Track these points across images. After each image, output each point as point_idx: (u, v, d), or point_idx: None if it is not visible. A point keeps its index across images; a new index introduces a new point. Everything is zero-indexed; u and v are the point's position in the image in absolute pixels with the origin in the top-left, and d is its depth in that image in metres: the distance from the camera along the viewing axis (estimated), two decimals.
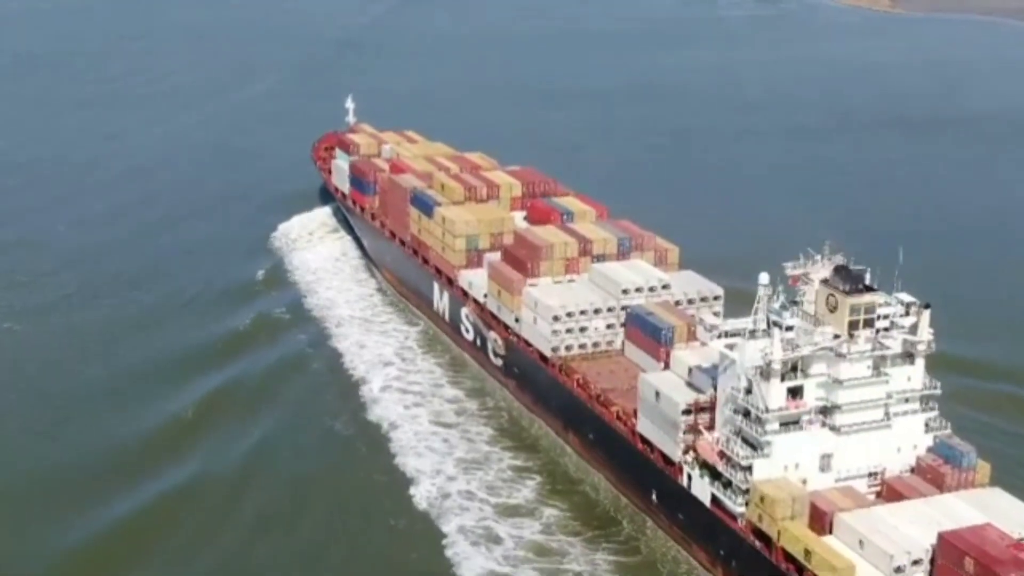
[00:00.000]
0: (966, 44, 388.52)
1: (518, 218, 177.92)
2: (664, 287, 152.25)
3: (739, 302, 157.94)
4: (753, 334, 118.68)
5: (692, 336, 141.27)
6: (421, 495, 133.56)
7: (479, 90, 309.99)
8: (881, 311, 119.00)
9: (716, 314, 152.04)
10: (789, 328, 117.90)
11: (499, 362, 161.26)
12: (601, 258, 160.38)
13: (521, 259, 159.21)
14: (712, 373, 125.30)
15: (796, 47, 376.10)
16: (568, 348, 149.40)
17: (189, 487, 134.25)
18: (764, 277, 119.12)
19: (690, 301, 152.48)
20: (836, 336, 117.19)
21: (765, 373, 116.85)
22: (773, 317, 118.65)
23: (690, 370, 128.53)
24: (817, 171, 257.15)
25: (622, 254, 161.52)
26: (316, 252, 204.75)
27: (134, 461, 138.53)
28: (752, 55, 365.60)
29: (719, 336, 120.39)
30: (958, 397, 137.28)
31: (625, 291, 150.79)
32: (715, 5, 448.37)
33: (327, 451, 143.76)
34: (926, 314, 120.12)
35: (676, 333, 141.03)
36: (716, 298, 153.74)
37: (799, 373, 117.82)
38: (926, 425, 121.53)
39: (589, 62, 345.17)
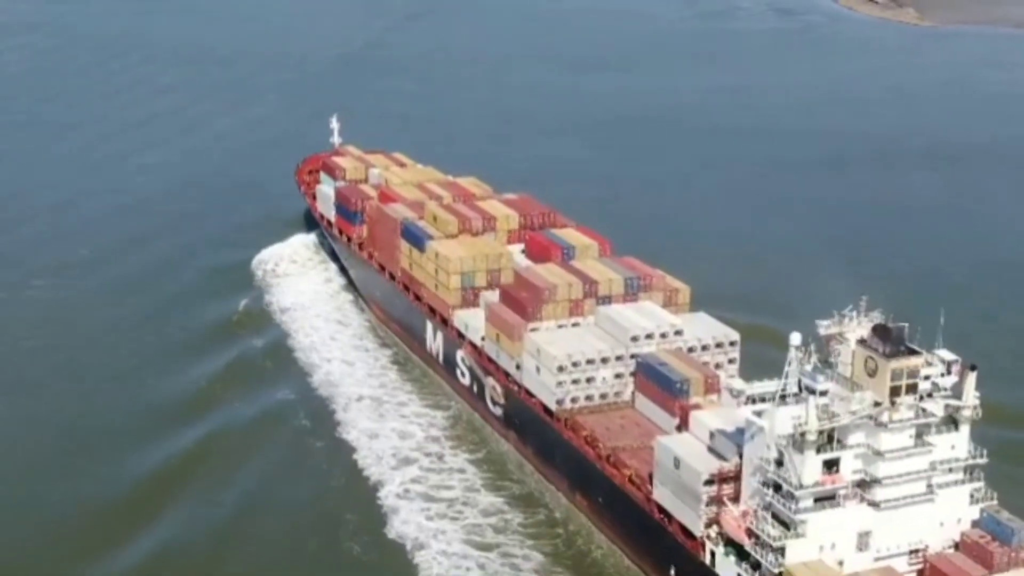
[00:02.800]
0: (1004, 61, 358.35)
1: (516, 253, 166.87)
2: (676, 333, 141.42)
3: (754, 340, 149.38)
4: (784, 399, 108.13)
5: (709, 389, 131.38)
6: None
7: (473, 111, 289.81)
8: (924, 371, 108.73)
9: (732, 361, 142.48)
10: (823, 393, 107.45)
11: (498, 411, 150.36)
12: (607, 300, 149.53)
13: (521, 301, 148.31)
14: (737, 439, 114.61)
15: (823, 64, 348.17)
16: (574, 400, 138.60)
17: None
18: (795, 337, 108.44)
19: (704, 347, 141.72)
20: (876, 403, 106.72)
21: (798, 444, 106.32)
22: (806, 381, 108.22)
23: (712, 434, 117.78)
24: (841, 205, 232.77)
25: (629, 295, 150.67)
26: (299, 286, 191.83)
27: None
28: (776, 74, 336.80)
29: (746, 402, 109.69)
30: (1002, 453, 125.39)
31: (634, 338, 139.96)
32: (734, 18, 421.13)
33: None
34: (972, 376, 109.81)
35: (692, 386, 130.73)
36: (732, 343, 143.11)
37: (835, 444, 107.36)
38: (971, 496, 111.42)
39: (595, 82, 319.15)
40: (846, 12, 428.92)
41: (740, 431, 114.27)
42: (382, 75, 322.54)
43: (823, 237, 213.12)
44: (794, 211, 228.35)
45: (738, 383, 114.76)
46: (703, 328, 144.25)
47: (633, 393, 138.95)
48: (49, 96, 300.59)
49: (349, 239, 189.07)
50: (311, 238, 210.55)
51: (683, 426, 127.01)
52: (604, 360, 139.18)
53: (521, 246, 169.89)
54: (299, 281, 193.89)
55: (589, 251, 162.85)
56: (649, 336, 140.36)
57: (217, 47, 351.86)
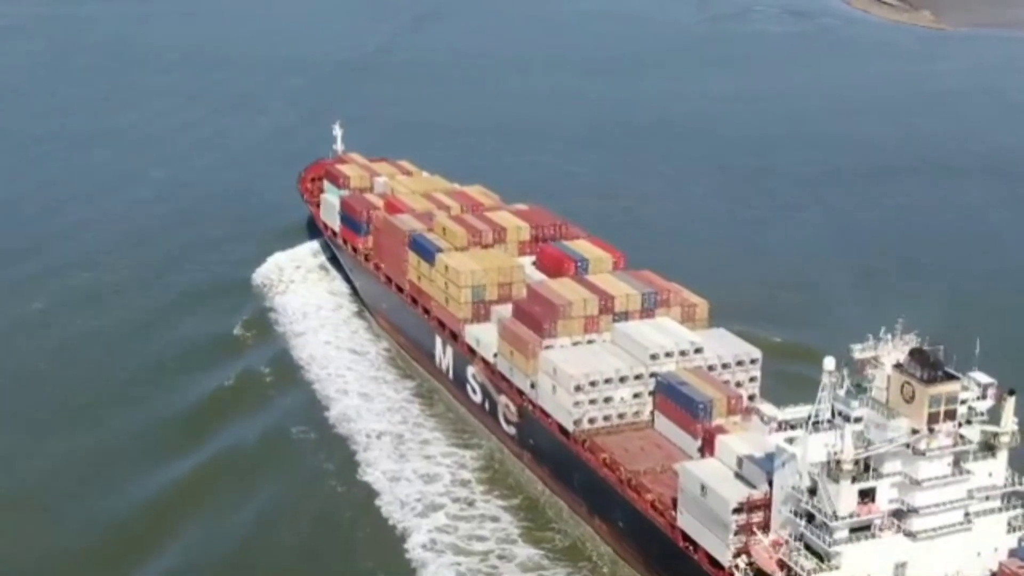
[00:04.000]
0: None
1: (527, 265, 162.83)
2: (697, 351, 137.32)
3: (774, 356, 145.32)
4: (816, 426, 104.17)
5: (732, 409, 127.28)
6: None
7: (478, 118, 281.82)
8: (962, 396, 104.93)
9: (753, 379, 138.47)
10: (857, 419, 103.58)
11: (511, 430, 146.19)
12: (623, 316, 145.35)
13: (536, 317, 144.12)
14: (766, 465, 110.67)
15: (842, 69, 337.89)
16: (591, 421, 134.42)
17: None
18: (829, 362, 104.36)
19: (725, 365, 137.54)
20: (914, 431, 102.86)
21: (833, 473, 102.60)
22: (839, 406, 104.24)
23: (739, 460, 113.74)
24: (865, 217, 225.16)
25: (646, 311, 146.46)
26: (305, 298, 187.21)
27: None
28: (795, 79, 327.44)
29: (778, 428, 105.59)
30: None
31: (654, 356, 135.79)
32: (747, 21, 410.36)
33: None
34: (1011, 401, 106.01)
35: (714, 407, 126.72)
36: (753, 361, 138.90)
37: (871, 473, 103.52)
38: (1008, 525, 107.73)
39: (606, 88, 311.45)
40: (859, 15, 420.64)
41: (769, 457, 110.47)
42: (387, 81, 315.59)
43: (845, 251, 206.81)
44: (815, 223, 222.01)
45: (769, 409, 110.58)
46: (723, 345, 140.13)
47: (652, 413, 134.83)
48: (39, 104, 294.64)
49: (355, 249, 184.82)
50: (314, 246, 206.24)
51: (706, 448, 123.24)
52: (622, 379, 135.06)
53: (532, 258, 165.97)
54: (304, 293, 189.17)
55: (602, 264, 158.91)
56: (668, 354, 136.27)
57: (210, 50, 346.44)
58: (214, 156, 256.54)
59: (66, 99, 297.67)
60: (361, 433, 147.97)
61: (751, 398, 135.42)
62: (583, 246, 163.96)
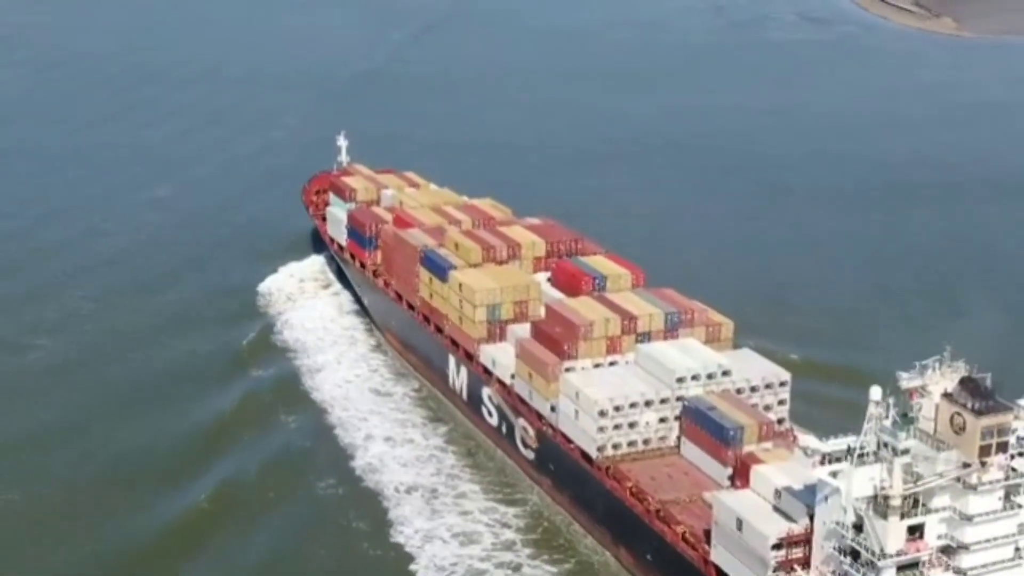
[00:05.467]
0: None
1: (543, 282, 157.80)
2: (724, 373, 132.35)
3: (800, 375, 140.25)
4: (862, 459, 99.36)
5: (764, 436, 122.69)
6: None
7: (491, 131, 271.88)
8: (1014, 426, 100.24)
9: (782, 402, 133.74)
10: (905, 452, 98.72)
11: (530, 455, 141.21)
12: (646, 336, 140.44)
13: (556, 338, 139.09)
14: (806, 498, 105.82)
15: (868, 80, 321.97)
16: (616, 447, 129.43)
17: None
18: (876, 392, 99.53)
19: (753, 388, 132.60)
20: (965, 464, 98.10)
21: (880, 509, 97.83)
22: (886, 438, 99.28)
23: (778, 492, 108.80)
24: (895, 236, 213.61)
25: (670, 331, 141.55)
26: (311, 314, 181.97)
27: None
28: (818, 90, 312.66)
29: (822, 462, 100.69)
30: None
31: (680, 379, 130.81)
32: (765, 28, 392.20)
33: None
34: None
35: (745, 434, 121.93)
36: (782, 384, 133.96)
37: (920, 508, 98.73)
38: None
39: (623, 99, 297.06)
40: (879, 21, 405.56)
41: (809, 489, 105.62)
42: (395, 92, 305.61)
43: (876, 270, 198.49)
44: (842, 241, 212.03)
45: (812, 441, 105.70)
46: (751, 367, 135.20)
47: (679, 438, 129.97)
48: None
49: (363, 265, 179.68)
50: (320, 260, 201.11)
51: (737, 477, 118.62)
52: (648, 403, 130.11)
53: (547, 274, 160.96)
54: (310, 309, 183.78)
55: (621, 281, 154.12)
56: (695, 377, 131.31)
57: (209, 60, 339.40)
58: (215, 166, 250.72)
59: (66, 112, 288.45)
60: (390, 485, 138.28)
61: (780, 421, 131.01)
62: (600, 262, 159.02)
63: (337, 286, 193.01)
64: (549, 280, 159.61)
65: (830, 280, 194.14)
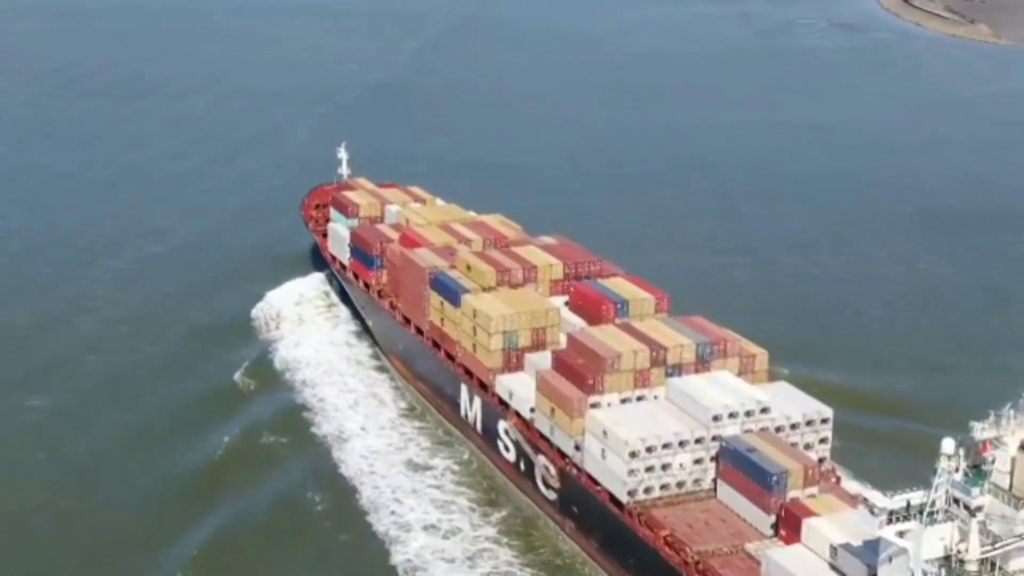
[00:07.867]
0: None
1: (562, 306, 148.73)
2: (763, 410, 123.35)
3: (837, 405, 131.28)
4: (932, 517, 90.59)
5: (809, 480, 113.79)
6: None
7: (507, 147, 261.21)
8: None
9: (824, 441, 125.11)
10: (978, 509, 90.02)
11: (551, 495, 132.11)
12: (676, 369, 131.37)
13: (580, 371, 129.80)
14: (867, 556, 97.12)
15: (910, 92, 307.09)
16: (647, 491, 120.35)
17: None
18: (948, 445, 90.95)
19: (793, 426, 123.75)
20: None
21: (955, 573, 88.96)
22: (957, 494, 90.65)
23: (834, 550, 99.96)
24: (945, 265, 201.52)
25: (701, 363, 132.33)
26: (313, 339, 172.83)
27: None
28: (856, 101, 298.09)
29: (889, 520, 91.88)
30: None
31: (716, 417, 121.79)
32: (796, 35, 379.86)
33: None
34: None
35: (789, 478, 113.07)
36: (824, 421, 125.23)
37: (996, 571, 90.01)
38: None
39: (645, 114, 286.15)
40: (913, 28, 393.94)
41: (869, 547, 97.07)
42: (402, 102, 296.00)
43: (925, 303, 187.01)
44: (890, 267, 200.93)
45: (879, 499, 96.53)
46: (790, 403, 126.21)
47: (715, 481, 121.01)
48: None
49: (367, 285, 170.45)
50: (320, 278, 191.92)
51: (782, 526, 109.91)
52: (682, 444, 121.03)
53: (565, 298, 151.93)
54: (312, 332, 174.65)
55: (644, 306, 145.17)
56: (733, 415, 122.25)
57: (211, 71, 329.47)
58: (215, 180, 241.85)
59: (62, 128, 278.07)
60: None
61: (820, 461, 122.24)
62: (621, 285, 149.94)
63: (340, 308, 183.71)
64: (567, 304, 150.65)
65: (865, 307, 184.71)
